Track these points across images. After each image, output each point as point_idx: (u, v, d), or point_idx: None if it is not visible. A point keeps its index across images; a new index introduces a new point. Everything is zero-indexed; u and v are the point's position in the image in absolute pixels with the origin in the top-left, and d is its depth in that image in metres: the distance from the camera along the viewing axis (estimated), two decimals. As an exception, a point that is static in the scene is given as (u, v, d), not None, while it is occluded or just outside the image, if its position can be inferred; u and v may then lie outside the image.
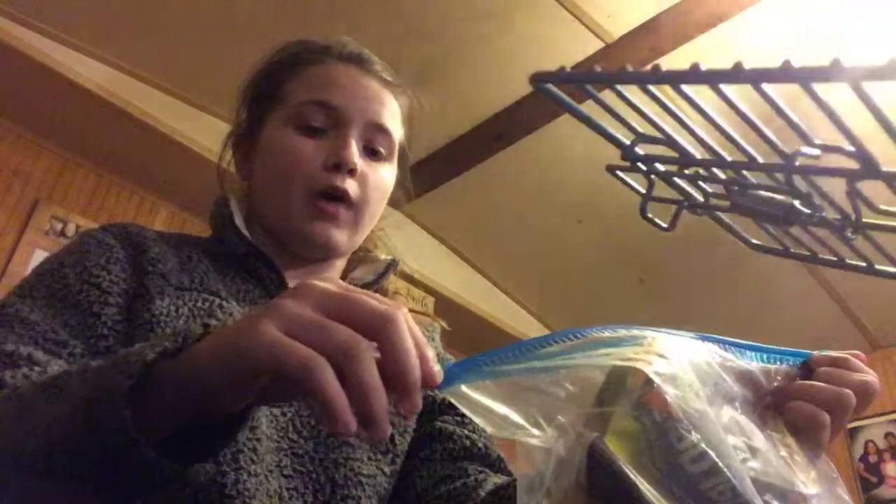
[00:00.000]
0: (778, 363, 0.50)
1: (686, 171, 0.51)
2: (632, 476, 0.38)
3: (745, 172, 0.48)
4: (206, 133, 2.37)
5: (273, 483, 0.59)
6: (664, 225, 0.55)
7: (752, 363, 0.48)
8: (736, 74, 0.37)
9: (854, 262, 0.51)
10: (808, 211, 0.46)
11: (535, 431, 0.40)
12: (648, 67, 0.42)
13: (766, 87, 0.37)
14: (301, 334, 0.36)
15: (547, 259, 3.21)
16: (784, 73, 0.35)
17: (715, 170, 0.49)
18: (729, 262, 2.82)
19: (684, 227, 0.56)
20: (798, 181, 0.44)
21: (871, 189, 0.43)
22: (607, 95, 0.46)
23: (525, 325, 3.47)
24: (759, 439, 0.43)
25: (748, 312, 3.11)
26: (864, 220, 0.46)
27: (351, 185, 0.74)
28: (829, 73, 0.34)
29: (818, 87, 0.36)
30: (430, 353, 0.38)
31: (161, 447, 0.39)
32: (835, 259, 0.52)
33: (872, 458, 3.21)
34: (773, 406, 0.48)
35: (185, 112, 2.46)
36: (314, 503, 0.61)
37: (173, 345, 0.40)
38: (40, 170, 2.41)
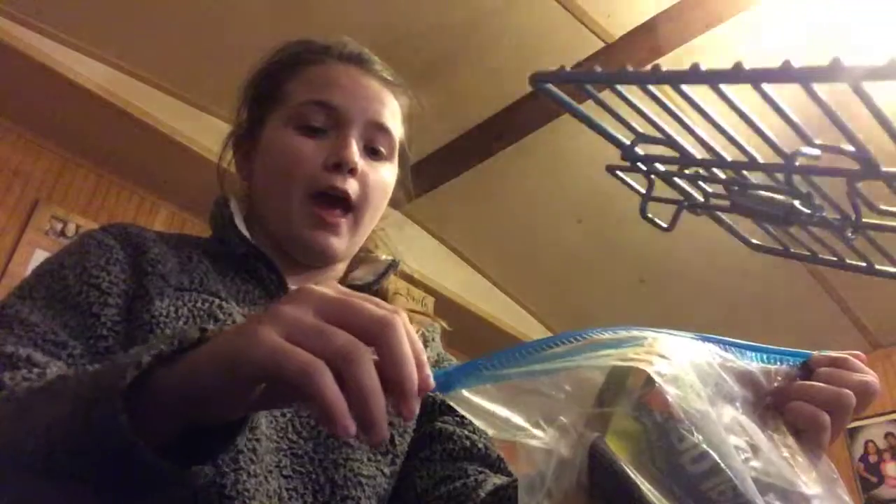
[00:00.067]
0: (778, 363, 0.50)
1: (686, 171, 0.51)
2: (633, 476, 0.38)
3: (745, 172, 0.48)
4: (206, 133, 2.37)
5: (272, 484, 0.59)
6: (664, 225, 0.55)
7: (752, 363, 0.48)
8: (736, 74, 0.37)
9: (854, 262, 0.51)
10: (808, 211, 0.46)
11: (537, 433, 0.40)
12: (648, 67, 0.42)
13: (766, 86, 0.37)
14: (301, 339, 0.36)
15: (547, 259, 3.21)
16: (784, 73, 0.35)
17: (715, 170, 0.49)
18: (729, 261, 2.82)
19: (684, 227, 0.56)
20: (798, 181, 0.44)
21: (871, 189, 0.43)
22: (607, 95, 0.46)
23: (525, 325, 3.47)
24: (760, 439, 0.43)
25: (748, 312, 3.11)
26: (864, 220, 0.46)
27: (352, 185, 0.73)
28: (829, 73, 0.34)
29: (818, 87, 0.36)
30: (425, 359, 0.39)
31: (161, 449, 0.39)
32: (835, 259, 0.52)
33: (872, 458, 3.21)
34: (773, 406, 0.48)
35: (185, 112, 2.46)
36: (314, 504, 0.61)
37: (169, 348, 0.40)
38: (40, 170, 2.41)
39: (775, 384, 0.49)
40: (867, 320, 3.22)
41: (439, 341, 0.85)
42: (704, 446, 0.38)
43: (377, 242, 0.88)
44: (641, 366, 0.40)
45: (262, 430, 0.61)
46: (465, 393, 0.40)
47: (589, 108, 0.48)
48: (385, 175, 0.78)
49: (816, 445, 0.47)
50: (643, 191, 0.53)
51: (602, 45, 2.26)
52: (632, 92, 0.45)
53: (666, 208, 0.55)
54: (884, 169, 0.39)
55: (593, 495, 0.38)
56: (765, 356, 0.50)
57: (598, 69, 0.43)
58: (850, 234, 0.47)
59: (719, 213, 0.53)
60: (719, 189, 0.51)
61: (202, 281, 0.68)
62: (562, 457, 0.39)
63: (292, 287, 0.74)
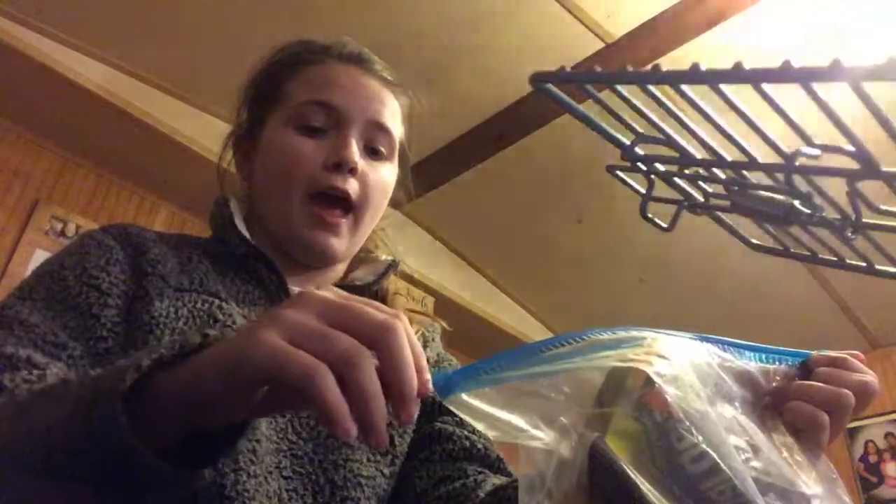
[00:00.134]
0: (777, 363, 0.50)
1: (686, 171, 0.51)
2: (633, 476, 0.38)
3: (745, 172, 0.48)
4: (206, 133, 2.37)
5: (272, 484, 0.59)
6: (664, 225, 0.55)
7: (750, 363, 0.48)
8: (736, 74, 0.37)
9: (854, 262, 0.51)
10: (808, 211, 0.46)
11: (537, 434, 0.40)
12: (648, 67, 0.42)
13: (766, 87, 0.37)
14: (303, 342, 0.36)
15: (547, 259, 3.21)
16: (784, 73, 0.35)
17: (715, 170, 0.49)
18: (729, 261, 2.82)
19: (684, 227, 0.56)
20: (798, 181, 0.44)
21: (871, 189, 0.43)
22: (607, 95, 0.46)
23: (525, 325, 3.47)
24: (759, 440, 0.43)
25: (748, 312, 3.11)
26: (864, 220, 0.46)
27: (352, 185, 0.73)
28: (829, 73, 0.34)
29: (818, 87, 0.36)
30: (425, 363, 0.39)
31: (162, 452, 0.39)
32: (835, 259, 0.52)
33: (872, 458, 3.21)
34: (772, 406, 0.48)
35: (185, 112, 2.46)
36: (313, 504, 0.61)
37: (170, 352, 0.40)
38: (40, 170, 2.41)
39: (774, 384, 0.49)
40: (867, 320, 3.22)
41: (439, 341, 0.85)
42: (704, 446, 0.38)
43: (377, 242, 0.88)
44: (641, 366, 0.40)
45: (262, 430, 0.61)
46: (465, 397, 0.40)
47: (589, 108, 0.48)
48: (385, 175, 0.78)
49: (815, 445, 0.47)
50: (643, 191, 0.53)
51: (602, 45, 2.26)
52: (632, 92, 0.45)
53: (666, 208, 0.55)
54: (884, 169, 0.39)
55: (593, 495, 0.38)
56: (763, 356, 0.50)
57: (598, 69, 0.43)
58: (850, 234, 0.47)
59: (719, 213, 0.53)
60: (719, 189, 0.51)
61: (202, 281, 0.68)
62: (562, 457, 0.39)
63: (292, 288, 0.74)
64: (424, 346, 0.81)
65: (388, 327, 0.37)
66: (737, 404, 0.45)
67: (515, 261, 3.27)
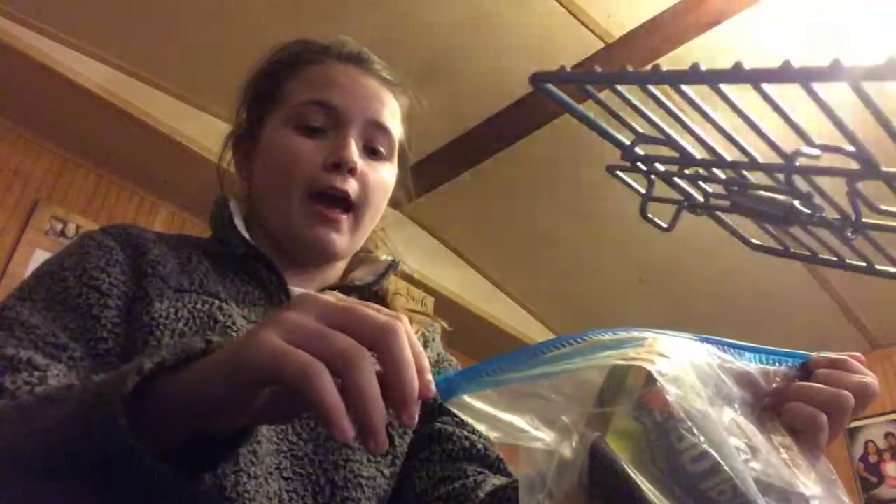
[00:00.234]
0: (777, 365, 0.50)
1: (686, 171, 0.51)
2: (633, 476, 0.38)
3: (745, 172, 0.48)
4: (206, 133, 2.37)
5: (273, 485, 0.59)
6: (664, 225, 0.55)
7: (750, 365, 0.48)
8: (736, 74, 0.37)
9: (854, 262, 0.51)
10: (808, 211, 0.46)
11: (539, 435, 0.40)
12: (648, 67, 0.42)
13: (766, 87, 0.37)
14: (302, 342, 0.36)
15: (547, 259, 3.21)
16: (784, 73, 0.35)
17: (715, 170, 0.49)
18: (729, 262, 2.82)
19: (684, 227, 0.56)
20: (798, 181, 0.44)
21: (871, 189, 0.43)
22: (607, 95, 0.46)
23: (525, 325, 3.47)
24: (758, 441, 0.43)
25: (748, 312, 3.11)
26: (864, 220, 0.46)
27: (351, 185, 0.73)
28: (829, 73, 0.34)
29: (818, 87, 0.36)
30: (427, 364, 0.39)
31: (162, 455, 0.39)
32: (835, 259, 0.52)
33: (872, 458, 3.21)
34: (771, 407, 0.48)
35: (185, 112, 2.46)
36: (314, 505, 0.61)
37: (173, 357, 0.40)
38: (40, 170, 2.41)
39: (774, 385, 0.49)
40: (867, 320, 3.22)
41: (439, 341, 0.85)
42: (705, 446, 0.38)
43: (377, 242, 0.88)
44: (643, 364, 0.40)
45: (262, 432, 0.61)
46: (467, 398, 0.40)
47: (589, 108, 0.48)
48: (385, 175, 0.78)
49: (815, 446, 0.47)
50: (643, 191, 0.53)
51: (602, 45, 2.26)
52: (632, 92, 0.45)
53: (666, 208, 0.55)
54: (884, 169, 0.39)
55: (594, 495, 0.38)
56: (763, 357, 0.50)
57: (598, 69, 0.43)
58: (850, 234, 0.47)
59: (719, 213, 0.53)
60: (719, 189, 0.51)
61: (202, 282, 0.68)
62: (563, 457, 0.39)
63: (292, 288, 0.74)
64: (424, 347, 0.81)
65: (389, 328, 0.37)
66: (736, 405, 0.45)
67: (515, 261, 3.27)
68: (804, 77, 0.35)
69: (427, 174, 2.61)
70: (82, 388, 0.43)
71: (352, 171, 0.73)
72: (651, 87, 0.43)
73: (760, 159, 0.44)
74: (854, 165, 0.39)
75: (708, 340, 0.47)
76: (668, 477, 0.38)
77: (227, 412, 0.40)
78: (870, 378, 0.51)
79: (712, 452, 0.38)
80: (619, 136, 0.50)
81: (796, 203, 0.46)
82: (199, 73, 2.37)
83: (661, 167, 0.51)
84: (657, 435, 0.39)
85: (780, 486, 0.41)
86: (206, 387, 0.39)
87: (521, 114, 2.49)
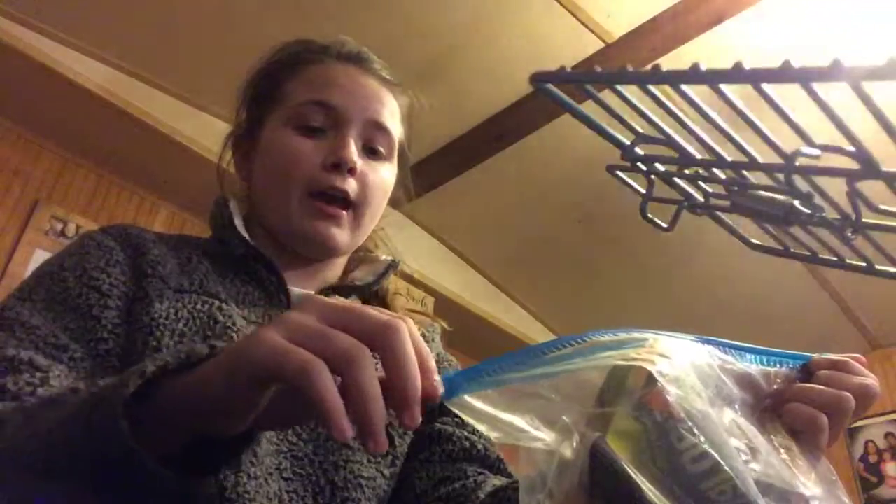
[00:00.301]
0: (777, 366, 0.50)
1: (686, 171, 0.51)
2: (633, 476, 0.38)
3: (745, 172, 0.48)
4: (206, 133, 2.37)
5: (273, 486, 0.59)
6: (664, 225, 0.55)
7: (751, 366, 0.48)
8: (736, 74, 0.37)
9: (854, 262, 0.51)
10: (808, 211, 0.46)
11: (539, 435, 0.40)
12: (648, 67, 0.42)
13: (765, 87, 0.37)
14: (304, 341, 0.36)
15: (547, 259, 3.21)
16: (784, 73, 0.35)
17: (715, 170, 0.49)
18: (729, 262, 2.82)
19: (684, 227, 0.56)
20: (798, 181, 0.44)
21: (871, 189, 0.43)
22: (607, 95, 0.46)
23: (525, 325, 3.47)
24: (759, 442, 0.43)
25: (748, 312, 3.11)
26: (864, 220, 0.46)
27: (351, 185, 0.73)
28: (829, 73, 0.34)
29: (818, 87, 0.36)
30: (433, 365, 0.38)
31: (164, 459, 0.39)
32: (835, 259, 0.52)
33: (872, 458, 3.21)
34: (772, 409, 0.48)
35: (185, 112, 2.46)
36: (314, 505, 0.61)
37: (176, 361, 0.40)
38: (40, 170, 2.41)
39: (774, 387, 0.49)
40: (867, 320, 3.22)
41: (439, 341, 0.85)
42: (705, 446, 0.38)
43: (377, 242, 0.88)
44: (644, 364, 0.40)
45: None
46: (468, 398, 0.40)
47: (589, 108, 0.48)
48: (384, 175, 0.78)
49: (815, 447, 0.47)
50: (643, 191, 0.53)
51: (602, 45, 2.26)
52: (632, 92, 0.45)
53: (666, 208, 0.55)
54: (884, 169, 0.39)
55: (594, 495, 0.38)
56: (764, 359, 0.50)
57: (598, 69, 0.43)
58: (850, 234, 0.47)
59: (719, 213, 0.53)
60: (719, 189, 0.51)
61: (202, 282, 0.68)
62: (563, 457, 0.39)
63: (292, 288, 0.74)
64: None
65: (391, 327, 0.37)
66: (737, 406, 0.44)
67: (515, 261, 3.27)
68: (804, 77, 0.35)
69: (427, 174, 2.61)
70: (85, 390, 0.43)
71: (351, 170, 0.73)
72: (651, 87, 0.43)
73: (760, 159, 0.44)
74: (854, 165, 0.39)
75: (709, 341, 0.47)
76: (668, 477, 0.38)
77: (229, 414, 0.39)
78: (870, 380, 0.51)
79: (712, 453, 0.38)
80: (619, 136, 0.50)
81: (796, 203, 0.46)
82: (199, 73, 2.37)
83: (661, 167, 0.51)
84: (657, 435, 0.39)
85: (780, 487, 0.41)
86: (208, 388, 0.39)
87: (521, 114, 2.49)
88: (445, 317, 0.89)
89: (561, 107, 0.47)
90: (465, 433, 0.73)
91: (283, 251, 0.76)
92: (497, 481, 0.68)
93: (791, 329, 3.07)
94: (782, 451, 0.45)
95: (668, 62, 0.58)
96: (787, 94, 0.37)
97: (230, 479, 0.56)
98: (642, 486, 0.37)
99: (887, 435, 3.20)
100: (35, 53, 2.14)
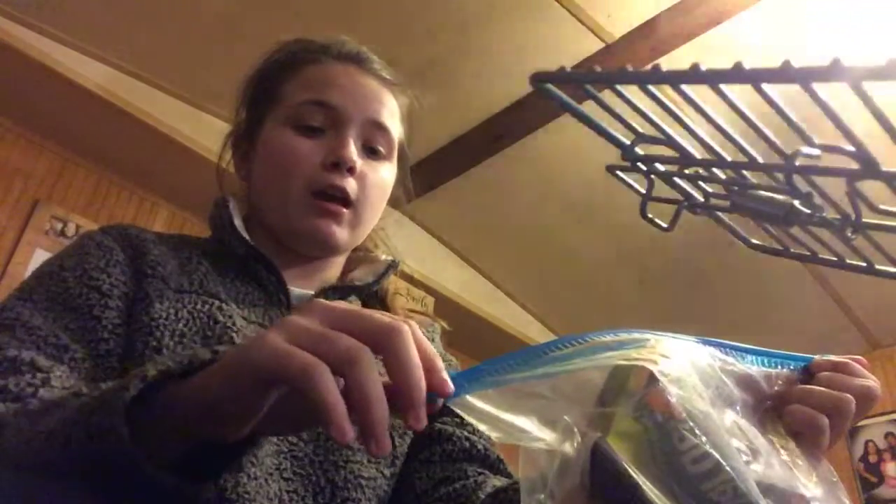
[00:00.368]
0: (779, 367, 0.50)
1: (686, 171, 0.51)
2: (634, 476, 0.38)
3: (745, 172, 0.48)
4: (206, 133, 2.37)
5: (273, 486, 0.59)
6: (664, 225, 0.55)
7: (752, 367, 0.48)
8: (736, 74, 0.36)
9: (854, 262, 0.51)
10: (808, 211, 0.46)
11: (540, 435, 0.40)
12: (648, 67, 0.42)
13: (766, 87, 0.37)
14: (306, 344, 0.36)
15: (547, 259, 3.20)
16: (784, 73, 0.35)
17: (715, 170, 0.49)
18: (729, 262, 2.82)
19: (684, 228, 0.56)
20: (798, 181, 0.44)
21: (871, 189, 0.43)
22: (607, 95, 0.46)
23: (525, 325, 3.47)
24: (759, 443, 0.43)
25: (748, 312, 3.10)
26: (864, 220, 0.46)
27: (350, 184, 0.73)
28: (829, 73, 0.34)
29: (818, 87, 0.36)
30: (440, 364, 0.38)
31: (165, 462, 0.39)
32: (835, 259, 0.52)
33: (872, 458, 3.21)
34: (773, 410, 0.48)
35: (185, 112, 2.46)
36: (314, 505, 0.61)
37: (178, 366, 0.40)
38: (40, 170, 2.41)
39: (776, 388, 0.49)
40: (867, 320, 3.22)
41: (439, 341, 0.85)
42: (706, 447, 0.38)
43: (377, 242, 0.88)
44: (646, 364, 0.40)
45: (262, 431, 0.60)
46: (469, 398, 0.40)
47: (589, 108, 0.48)
48: (384, 174, 0.78)
49: (816, 448, 0.47)
50: (643, 191, 0.53)
51: (602, 45, 2.26)
52: (632, 92, 0.44)
53: (666, 208, 0.55)
54: (884, 169, 0.39)
55: (595, 495, 0.38)
56: (765, 360, 0.50)
57: (598, 69, 0.43)
58: (850, 234, 0.47)
59: (719, 213, 0.53)
60: (719, 189, 0.51)
61: (202, 283, 0.68)
62: (564, 458, 0.39)
63: (292, 288, 0.74)
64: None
65: (394, 328, 0.37)
66: (738, 407, 0.44)
67: (515, 261, 3.27)
68: (804, 77, 0.35)
69: (427, 174, 2.61)
70: (86, 393, 0.43)
71: (351, 170, 0.73)
72: (651, 87, 0.43)
73: (760, 159, 0.44)
74: (854, 165, 0.39)
75: (710, 342, 0.47)
76: (669, 477, 0.38)
77: (231, 417, 0.39)
78: (872, 382, 0.51)
79: (713, 453, 0.38)
80: (619, 136, 0.50)
81: (796, 203, 0.46)
82: (199, 73, 2.37)
83: (661, 167, 0.51)
84: (658, 435, 0.39)
85: (780, 488, 0.41)
86: (210, 392, 0.39)
87: (521, 114, 2.49)
88: (445, 317, 0.89)
89: (561, 107, 0.47)
90: (466, 433, 0.73)
91: (282, 251, 0.76)
92: (497, 481, 0.68)
93: (791, 329, 3.07)
94: (783, 452, 0.45)
95: (668, 62, 0.58)
96: (788, 94, 0.37)
97: (230, 480, 0.56)
98: (643, 487, 0.37)
99: (887, 435, 3.20)
100: (35, 53, 2.14)
